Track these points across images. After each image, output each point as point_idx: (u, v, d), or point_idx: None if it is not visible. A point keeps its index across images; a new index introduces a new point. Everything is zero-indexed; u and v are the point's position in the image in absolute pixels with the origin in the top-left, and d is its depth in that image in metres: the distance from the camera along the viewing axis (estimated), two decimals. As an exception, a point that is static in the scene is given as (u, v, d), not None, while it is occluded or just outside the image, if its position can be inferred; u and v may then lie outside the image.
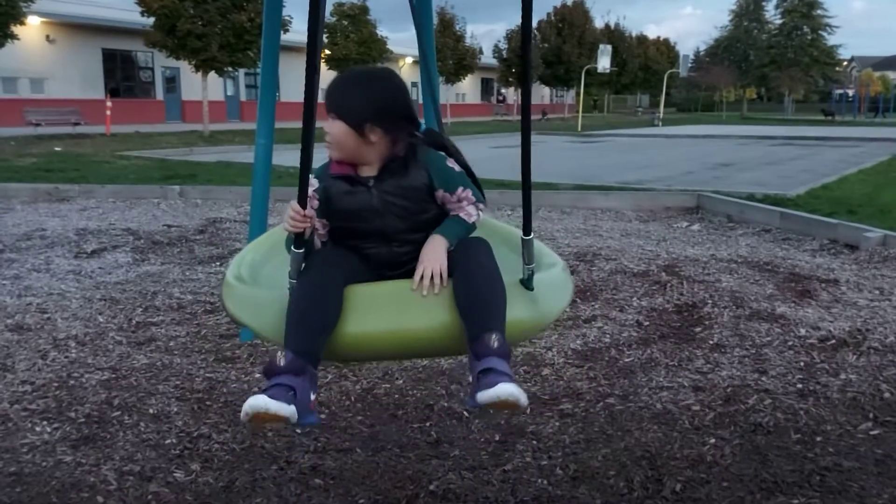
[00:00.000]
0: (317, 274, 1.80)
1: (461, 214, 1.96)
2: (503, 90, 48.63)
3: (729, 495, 2.34)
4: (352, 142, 1.92)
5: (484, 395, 1.61)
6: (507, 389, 1.59)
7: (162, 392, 3.15)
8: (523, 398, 1.60)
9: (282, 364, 1.68)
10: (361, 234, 1.96)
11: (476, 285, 1.77)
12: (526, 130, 1.74)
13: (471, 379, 1.74)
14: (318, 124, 1.67)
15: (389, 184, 1.93)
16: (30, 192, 9.17)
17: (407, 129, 1.97)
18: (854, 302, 4.45)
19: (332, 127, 1.91)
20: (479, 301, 1.76)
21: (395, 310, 1.78)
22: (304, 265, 1.83)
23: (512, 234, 2.61)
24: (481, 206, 2.01)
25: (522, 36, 1.63)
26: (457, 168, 2.00)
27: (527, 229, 1.87)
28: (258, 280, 2.20)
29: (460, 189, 1.97)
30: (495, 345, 1.69)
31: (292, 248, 1.82)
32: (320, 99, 1.77)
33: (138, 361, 3.50)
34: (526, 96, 1.74)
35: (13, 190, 9.21)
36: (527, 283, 1.92)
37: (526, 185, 1.81)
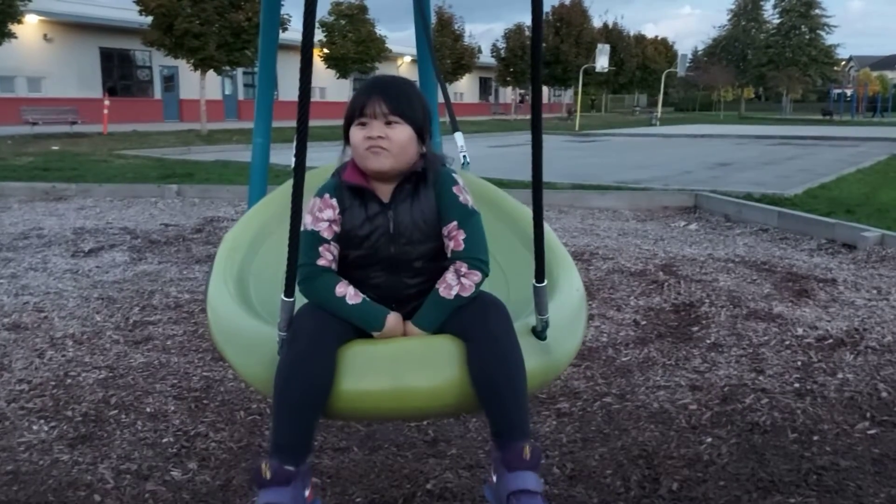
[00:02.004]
0: (306, 341, 1.60)
1: (440, 290, 1.72)
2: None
3: (726, 494, 2.34)
4: (413, 150, 1.76)
5: None
6: None
7: (159, 391, 3.14)
8: None
9: (268, 477, 1.55)
10: (369, 263, 1.79)
11: (496, 368, 1.60)
12: (537, 160, 1.53)
13: (494, 478, 1.66)
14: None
15: (404, 207, 1.77)
16: (27, 190, 9.16)
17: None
18: (851, 301, 4.45)
19: (397, 132, 1.73)
20: (501, 390, 1.60)
21: (396, 367, 1.61)
22: (293, 320, 1.65)
23: (517, 211, 2.50)
24: (475, 274, 1.72)
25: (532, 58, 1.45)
26: (461, 198, 1.77)
27: (539, 275, 1.65)
28: (246, 290, 2.14)
29: (453, 224, 1.75)
30: (528, 457, 1.59)
31: (282, 296, 1.60)
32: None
33: (135, 360, 3.49)
34: (537, 132, 1.53)
35: (10, 189, 9.20)
36: (539, 335, 1.73)
37: (538, 224, 1.61)
